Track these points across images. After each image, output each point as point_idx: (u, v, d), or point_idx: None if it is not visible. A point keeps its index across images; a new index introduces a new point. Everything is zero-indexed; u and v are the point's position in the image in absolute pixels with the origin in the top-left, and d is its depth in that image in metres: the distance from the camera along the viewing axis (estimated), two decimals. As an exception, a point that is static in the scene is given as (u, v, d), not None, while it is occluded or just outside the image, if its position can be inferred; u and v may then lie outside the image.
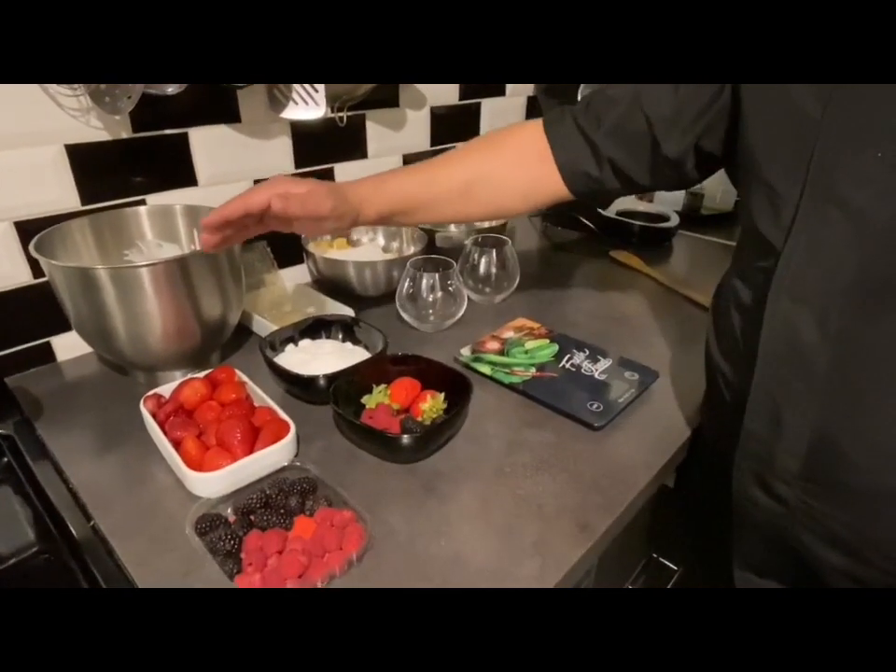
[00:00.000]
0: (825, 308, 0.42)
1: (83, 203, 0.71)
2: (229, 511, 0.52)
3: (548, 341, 0.79)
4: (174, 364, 0.70)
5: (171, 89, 0.70)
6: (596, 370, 0.73)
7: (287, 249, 0.94)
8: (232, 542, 0.47)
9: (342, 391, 0.62)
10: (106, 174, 0.72)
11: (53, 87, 0.64)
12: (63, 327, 0.73)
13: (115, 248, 0.73)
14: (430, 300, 0.81)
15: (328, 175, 0.96)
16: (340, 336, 0.76)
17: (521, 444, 0.62)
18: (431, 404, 0.61)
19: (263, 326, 0.80)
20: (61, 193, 0.69)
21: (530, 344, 0.78)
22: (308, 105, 0.82)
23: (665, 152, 0.56)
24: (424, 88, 1.04)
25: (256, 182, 0.87)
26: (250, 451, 0.55)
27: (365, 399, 0.64)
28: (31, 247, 0.61)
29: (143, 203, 0.76)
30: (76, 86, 0.65)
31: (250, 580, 0.45)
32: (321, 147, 0.93)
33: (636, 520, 0.59)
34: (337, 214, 0.56)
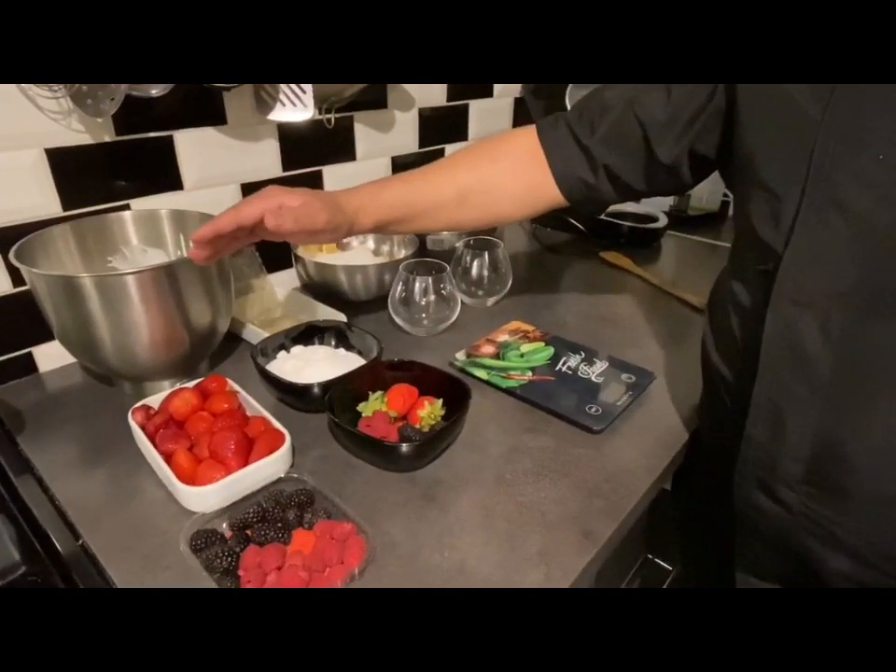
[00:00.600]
0: (827, 311, 0.42)
1: (65, 209, 0.69)
2: (224, 525, 0.51)
3: (543, 344, 0.78)
4: (161, 374, 0.68)
5: (155, 91, 0.68)
6: (593, 372, 0.72)
7: (276, 254, 0.93)
8: (229, 559, 0.46)
9: (337, 399, 0.60)
10: (89, 178, 0.70)
11: (33, 88, 0.62)
12: (46, 336, 0.71)
13: (98, 255, 0.71)
14: (423, 303, 0.80)
15: (316, 178, 0.95)
16: (333, 342, 0.74)
17: (521, 450, 0.61)
18: (429, 411, 0.60)
19: (253, 333, 0.78)
20: (41, 199, 0.67)
21: (525, 348, 0.77)
22: (296, 106, 0.80)
23: (659, 157, 0.56)
24: (412, 89, 1.03)
25: (243, 187, 0.85)
26: (245, 463, 0.54)
27: (361, 407, 0.62)
28: (11, 255, 0.59)
29: (127, 208, 0.74)
30: (56, 88, 0.63)
31: (249, 598, 0.44)
32: (309, 150, 0.92)
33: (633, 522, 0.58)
34: (332, 226, 0.55)
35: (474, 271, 0.89)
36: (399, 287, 0.81)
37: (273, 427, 0.58)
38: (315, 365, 0.68)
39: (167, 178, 0.77)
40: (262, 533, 0.48)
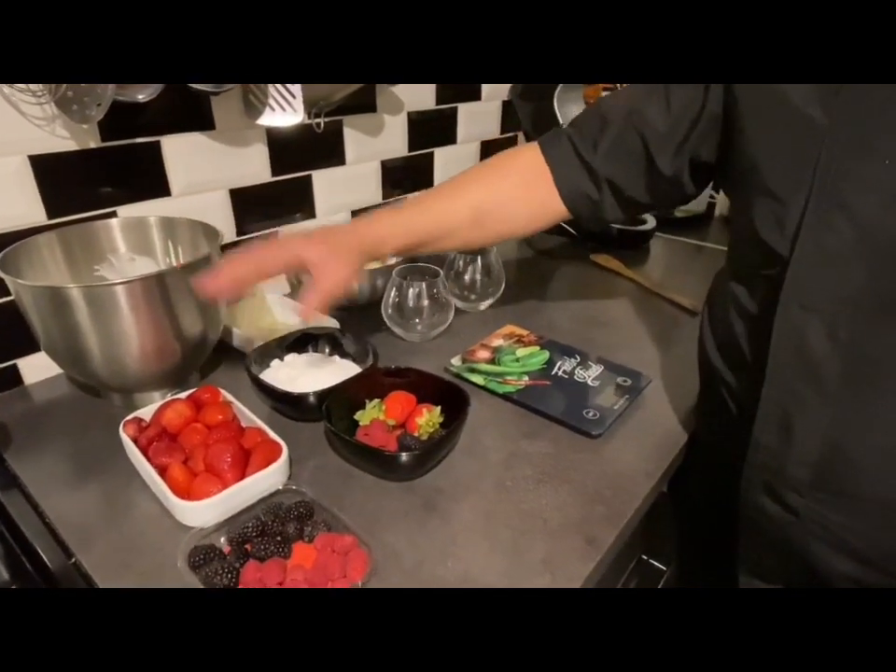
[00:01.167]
0: (835, 316, 0.42)
1: (49, 217, 0.67)
2: (222, 540, 0.49)
3: (538, 348, 0.78)
4: (152, 385, 0.67)
5: (141, 96, 0.67)
6: (588, 376, 0.72)
7: (266, 260, 0.91)
8: (229, 576, 0.45)
9: (334, 408, 0.59)
10: (74, 185, 0.68)
11: (16, 94, 0.60)
12: (31, 348, 0.69)
13: (85, 264, 0.69)
14: (417, 309, 0.80)
15: (305, 183, 0.94)
16: (327, 349, 0.73)
17: (520, 456, 0.61)
18: (427, 418, 0.60)
19: (244, 340, 0.77)
20: (25, 207, 0.65)
21: (521, 352, 0.77)
22: (285, 111, 0.80)
23: (661, 169, 0.56)
24: (401, 92, 1.02)
25: (231, 192, 0.84)
26: (241, 476, 0.53)
27: (358, 416, 0.62)
28: (-5, 266, 0.58)
29: (114, 215, 0.72)
30: (39, 93, 0.61)
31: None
32: (298, 154, 0.91)
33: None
34: (353, 270, 0.56)
35: (467, 275, 0.89)
36: (393, 293, 0.80)
37: (269, 438, 0.57)
38: (309, 373, 0.67)
39: (154, 185, 0.76)
40: (262, 547, 0.47)
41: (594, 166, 0.59)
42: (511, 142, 1.35)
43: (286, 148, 0.88)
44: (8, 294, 0.64)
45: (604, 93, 1.41)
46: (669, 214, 1.35)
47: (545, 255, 1.16)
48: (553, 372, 0.73)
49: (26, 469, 0.58)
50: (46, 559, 0.50)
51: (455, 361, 0.74)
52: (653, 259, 1.18)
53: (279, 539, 0.49)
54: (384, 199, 1.08)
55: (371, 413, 0.61)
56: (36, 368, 0.71)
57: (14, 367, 0.70)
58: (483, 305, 0.91)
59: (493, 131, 1.28)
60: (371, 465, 0.57)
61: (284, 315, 0.86)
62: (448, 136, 1.17)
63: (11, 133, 0.62)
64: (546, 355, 0.76)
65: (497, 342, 0.79)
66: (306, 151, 0.92)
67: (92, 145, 0.68)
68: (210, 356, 0.72)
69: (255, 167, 0.86)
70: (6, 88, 0.60)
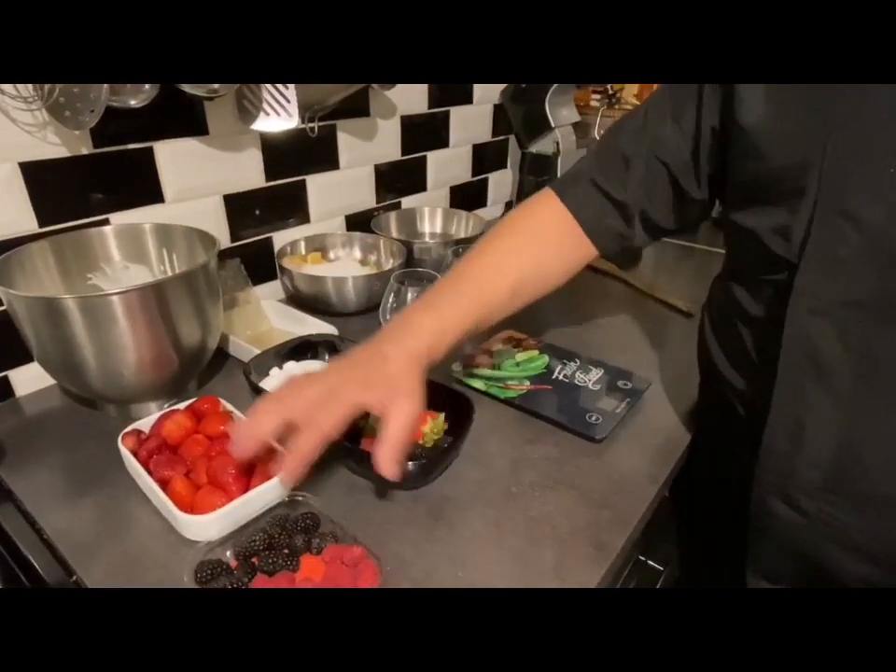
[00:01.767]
0: (845, 320, 0.42)
1: (41, 225, 0.66)
2: (228, 554, 0.49)
3: (537, 352, 0.78)
4: (149, 396, 0.66)
5: (134, 101, 0.66)
6: (589, 380, 0.73)
7: (260, 265, 0.91)
8: (238, 591, 0.44)
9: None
10: (66, 193, 0.67)
11: (6, 100, 0.59)
12: (24, 359, 0.67)
13: (79, 272, 0.68)
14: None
15: (300, 188, 0.93)
16: (326, 357, 0.73)
17: (525, 462, 0.61)
18: (432, 426, 0.59)
19: (241, 348, 0.76)
20: (16, 215, 0.64)
21: (520, 357, 0.77)
22: (280, 115, 0.79)
23: (691, 194, 0.55)
24: (394, 96, 1.02)
25: (225, 198, 0.83)
26: (246, 488, 0.52)
27: (361, 424, 0.61)
28: (-13, 276, 0.56)
29: (106, 222, 0.71)
30: (31, 99, 0.60)
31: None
32: (292, 159, 0.90)
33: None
34: (419, 400, 0.48)
35: (464, 279, 0.88)
36: (391, 298, 0.79)
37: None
38: (309, 381, 0.67)
39: (147, 191, 0.74)
40: (270, 561, 0.47)
41: (625, 203, 0.57)
42: (503, 145, 1.35)
43: (280, 153, 0.87)
44: (0, 304, 0.63)
45: (594, 97, 1.42)
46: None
47: (539, 258, 1.16)
48: (554, 377, 0.73)
49: (21, 483, 0.57)
50: (45, 577, 0.49)
51: (456, 367, 0.74)
52: (645, 262, 1.18)
53: (286, 552, 0.48)
54: (377, 203, 1.08)
55: (374, 422, 0.60)
56: (28, 379, 0.69)
57: (5, 378, 0.68)
58: (481, 309, 0.90)
59: (485, 134, 1.28)
60: (377, 474, 0.57)
61: (279, 320, 0.85)
62: (441, 140, 1.17)
63: (1, 139, 0.60)
64: (545, 359, 0.76)
65: (496, 346, 0.79)
66: (300, 156, 0.91)
67: (84, 151, 0.67)
68: (207, 365, 0.71)
69: (249, 172, 0.85)
70: (-5, 94, 0.59)
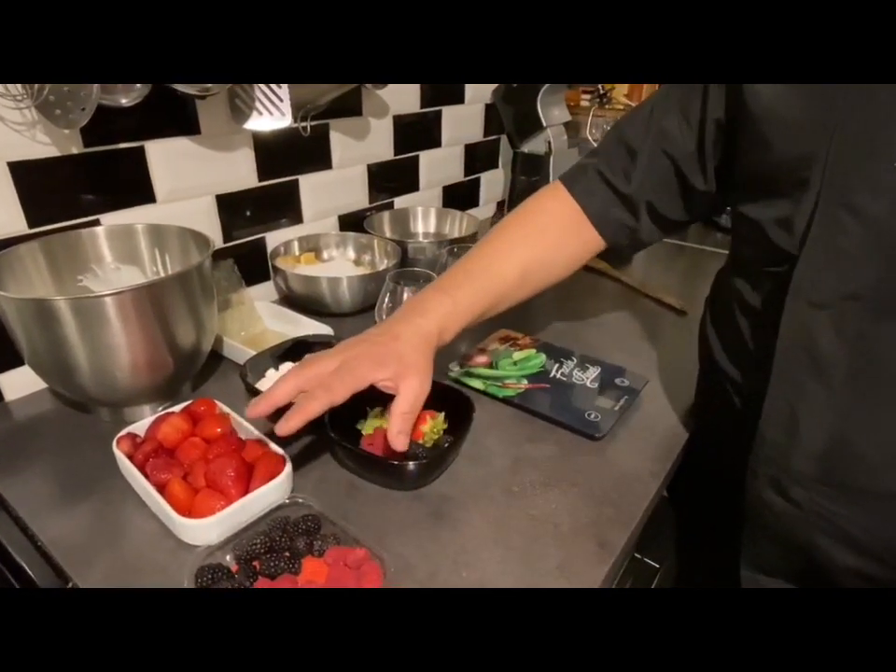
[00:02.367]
0: (843, 313, 0.42)
1: (31, 226, 0.64)
2: (228, 558, 0.48)
3: (534, 350, 0.78)
4: (143, 398, 0.65)
5: (125, 100, 0.65)
6: (587, 378, 0.73)
7: (253, 266, 0.90)
8: (240, 595, 0.43)
9: (336, 418, 0.58)
10: (56, 193, 0.66)
11: (-6, 99, 0.58)
12: (14, 362, 0.66)
13: (70, 274, 0.67)
14: (407, 300, 0.79)
15: (292, 187, 0.92)
16: (322, 357, 0.72)
17: (525, 461, 0.61)
18: (432, 425, 0.59)
19: (235, 350, 0.75)
20: (5, 216, 0.62)
21: (518, 355, 0.76)
22: (273, 114, 0.78)
23: (696, 185, 0.56)
24: (386, 96, 1.01)
25: (218, 198, 0.82)
26: (246, 490, 0.51)
27: (360, 425, 0.60)
28: (-25, 278, 0.55)
29: (97, 223, 0.70)
30: (20, 97, 0.58)
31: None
32: (285, 159, 0.89)
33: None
34: (428, 377, 0.53)
35: (459, 279, 0.88)
36: (387, 298, 0.79)
37: (270, 451, 0.55)
38: (306, 382, 0.66)
39: (138, 191, 0.73)
40: (271, 564, 0.46)
41: (631, 196, 0.58)
42: (495, 144, 1.36)
43: (272, 153, 0.86)
44: (-12, 307, 0.61)
45: (584, 96, 1.42)
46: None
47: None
48: (552, 375, 0.73)
49: (12, 489, 0.56)
50: (40, 584, 0.47)
51: (454, 367, 0.74)
52: (637, 260, 1.18)
53: (288, 554, 0.47)
54: (370, 203, 1.07)
55: (373, 422, 0.60)
56: (17, 383, 0.68)
57: (-6, 383, 0.67)
58: (476, 309, 0.90)
59: (476, 134, 1.28)
60: (377, 475, 0.56)
61: (273, 321, 0.84)
62: (433, 140, 1.17)
63: (-11, 138, 0.59)
64: (542, 357, 0.76)
65: (493, 345, 0.79)
66: (293, 155, 0.90)
67: (75, 150, 0.66)
68: (201, 366, 0.70)
69: (241, 172, 0.84)
70: (-17, 92, 0.57)
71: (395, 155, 1.08)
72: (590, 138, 1.34)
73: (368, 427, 0.60)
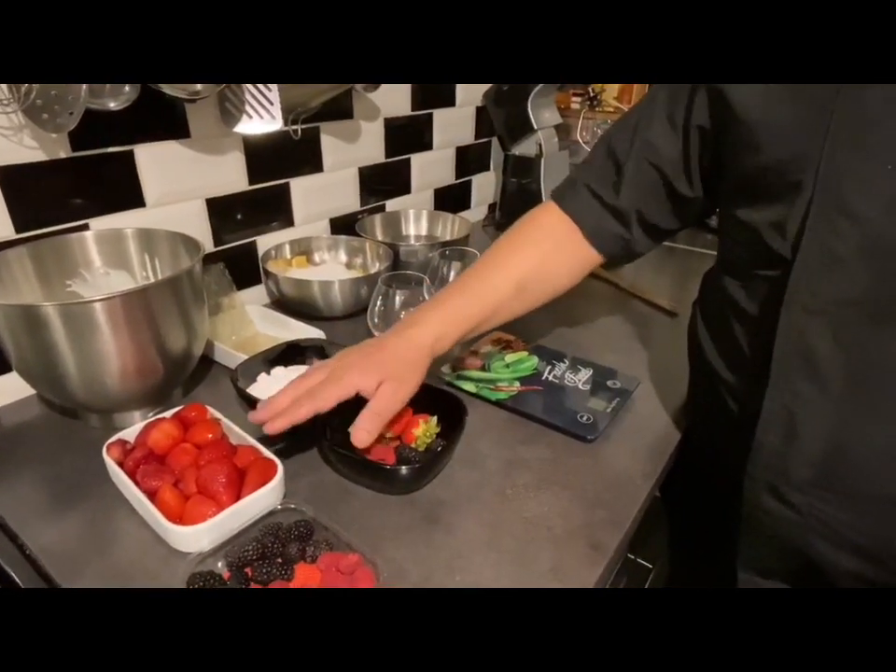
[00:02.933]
0: (839, 318, 0.42)
1: (18, 231, 0.64)
2: (219, 565, 0.47)
3: (526, 353, 0.78)
4: (133, 404, 0.64)
5: (114, 103, 0.64)
6: (579, 380, 0.73)
7: (244, 269, 0.89)
8: (232, 602, 0.43)
9: (329, 422, 0.58)
10: (43, 198, 0.65)
11: (-20, 103, 0.57)
12: (1, 368, 0.65)
13: (59, 279, 0.66)
14: (404, 317, 0.79)
15: (283, 191, 0.92)
16: (314, 361, 0.72)
17: (518, 463, 0.61)
18: (425, 429, 0.59)
19: (227, 354, 0.74)
20: (-9, 221, 0.62)
21: (510, 358, 0.77)
22: (263, 118, 0.78)
23: (683, 193, 0.56)
24: (377, 98, 1.01)
25: (208, 202, 0.81)
26: (237, 496, 0.51)
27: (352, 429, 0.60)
28: (-38, 284, 0.54)
29: (85, 227, 0.69)
30: (6, 101, 0.58)
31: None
32: (275, 162, 0.89)
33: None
34: (414, 386, 0.56)
35: (451, 279, 0.88)
36: (379, 301, 0.79)
37: (262, 456, 0.55)
38: (298, 386, 0.66)
39: (128, 195, 0.73)
40: (263, 571, 0.46)
41: (619, 207, 0.59)
42: (486, 147, 1.36)
43: (263, 156, 0.86)
44: (-25, 313, 0.61)
45: (575, 99, 1.43)
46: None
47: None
48: (544, 377, 0.73)
49: (1, 499, 0.55)
50: (29, 594, 0.47)
51: (446, 370, 0.74)
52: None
53: (280, 561, 0.47)
54: (362, 206, 1.07)
55: (366, 426, 0.60)
56: (5, 390, 0.67)
57: (-19, 390, 0.66)
58: (468, 311, 0.90)
59: (467, 137, 1.28)
60: (370, 479, 0.56)
61: (265, 325, 0.83)
62: (424, 143, 1.17)
63: (-25, 143, 0.59)
64: (535, 360, 0.76)
65: (486, 348, 0.79)
66: (283, 159, 0.90)
67: (62, 155, 0.65)
68: (192, 371, 0.70)
69: (232, 175, 0.84)
70: (-32, 96, 0.57)
71: (386, 158, 1.08)
72: (580, 140, 1.34)
73: (360, 432, 0.59)
